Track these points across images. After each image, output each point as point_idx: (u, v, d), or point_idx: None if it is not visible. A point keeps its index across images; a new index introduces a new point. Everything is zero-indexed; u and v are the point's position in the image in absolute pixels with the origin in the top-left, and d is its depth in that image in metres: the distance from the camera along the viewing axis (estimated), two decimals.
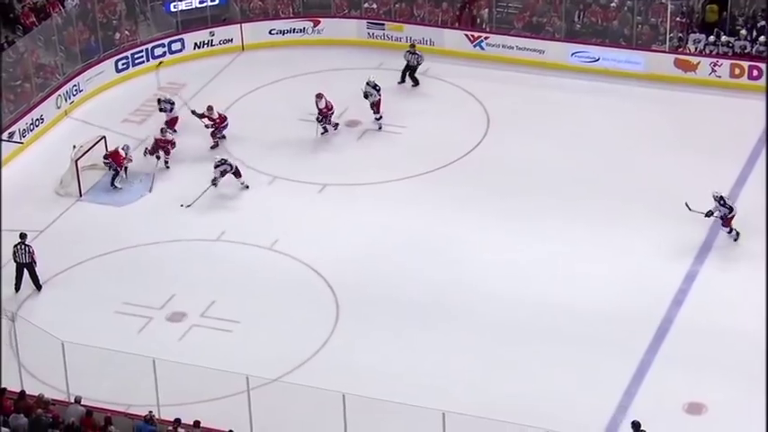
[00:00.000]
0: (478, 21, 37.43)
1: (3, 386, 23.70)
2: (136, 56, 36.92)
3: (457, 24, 37.40)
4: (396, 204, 30.80)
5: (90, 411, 23.31)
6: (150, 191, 31.60)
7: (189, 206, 30.77)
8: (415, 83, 35.82)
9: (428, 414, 22.29)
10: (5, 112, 33.55)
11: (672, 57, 35.49)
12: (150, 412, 23.20)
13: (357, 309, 27.59)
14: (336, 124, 33.75)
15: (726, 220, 28.51)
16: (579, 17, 36.75)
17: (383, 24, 37.88)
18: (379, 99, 33.73)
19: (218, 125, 33.21)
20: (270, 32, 38.16)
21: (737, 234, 28.72)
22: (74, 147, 32.16)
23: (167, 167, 32.27)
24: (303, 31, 38.19)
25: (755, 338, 25.88)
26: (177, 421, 22.87)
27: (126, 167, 31.76)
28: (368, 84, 33.75)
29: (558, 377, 25.38)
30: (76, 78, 35.57)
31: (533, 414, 23.53)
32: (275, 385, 24.63)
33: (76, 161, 31.69)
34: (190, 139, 33.33)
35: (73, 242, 29.97)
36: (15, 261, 28.23)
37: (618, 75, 35.70)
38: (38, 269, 28.36)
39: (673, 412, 24.43)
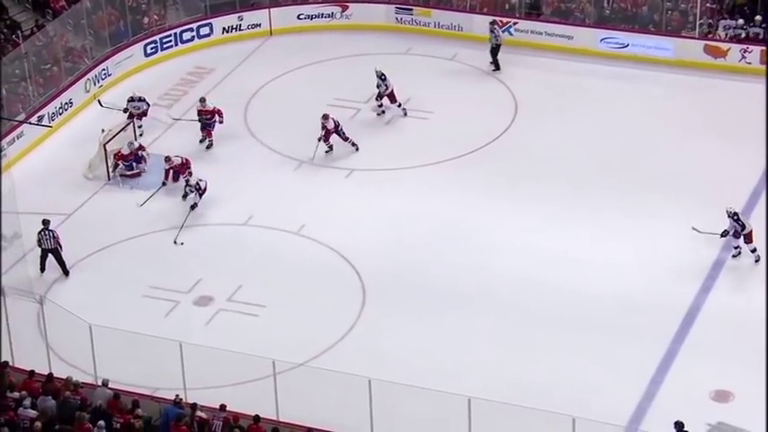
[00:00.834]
0: (507, 6, 37.31)
1: (6, 361, 24.04)
2: (164, 40, 37.02)
3: (486, 9, 37.32)
4: (422, 190, 30.79)
5: (117, 394, 23.43)
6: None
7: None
8: (496, 67, 35.48)
9: (453, 399, 22.31)
10: (35, 95, 33.70)
11: (701, 43, 35.30)
12: (178, 396, 23.30)
13: (383, 294, 27.60)
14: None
15: (746, 236, 27.80)
16: (608, 3, 36.61)
17: (411, 9, 37.83)
18: (391, 89, 33.39)
19: (208, 118, 32.48)
20: (298, 17, 38.18)
21: (759, 257, 27.90)
22: (102, 131, 32.29)
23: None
24: (331, 15, 38.19)
25: None
26: (194, 406, 22.90)
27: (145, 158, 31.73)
28: (375, 74, 33.40)
29: (584, 364, 25.33)
30: (105, 62, 35.70)
31: (559, 400, 23.50)
32: (301, 370, 24.68)
33: (105, 145, 31.79)
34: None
35: (101, 226, 30.09)
36: (41, 247, 28.36)
37: (647, 61, 35.55)
38: (65, 253, 28.48)
39: (699, 400, 24.35)
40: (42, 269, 28.33)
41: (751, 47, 34.72)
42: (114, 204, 30.87)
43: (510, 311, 26.82)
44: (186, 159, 31.19)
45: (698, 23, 35.55)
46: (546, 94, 34.61)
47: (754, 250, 27.84)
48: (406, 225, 29.48)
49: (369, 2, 38.23)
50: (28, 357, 24.72)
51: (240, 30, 37.92)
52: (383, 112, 33.71)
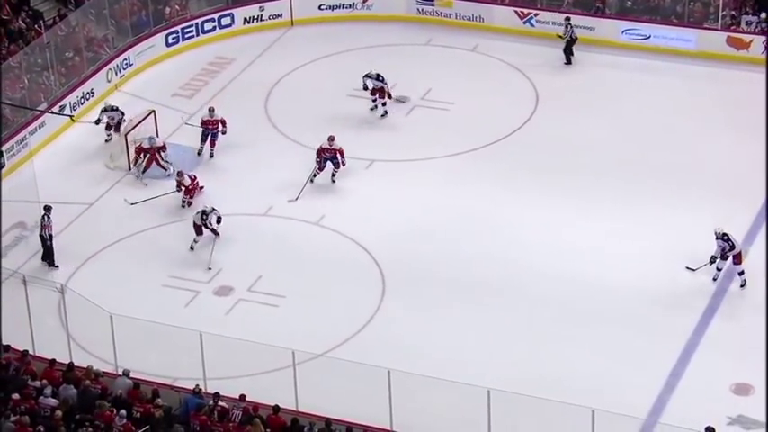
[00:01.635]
0: None
1: (27, 350, 24.17)
2: (186, 30, 37.01)
3: (507, 0, 37.22)
4: (442, 181, 30.73)
5: (137, 384, 23.47)
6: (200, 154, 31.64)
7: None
8: (567, 61, 35.23)
9: (472, 391, 22.28)
10: (56, 85, 33.75)
11: (724, 34, 35.11)
12: (197, 385, 23.33)
13: (403, 285, 27.57)
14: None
15: (735, 257, 26.67)
16: None
17: (432, 1, 37.73)
18: (382, 86, 33.06)
19: (215, 128, 31.76)
20: (319, 8, 38.14)
21: (745, 281, 26.87)
22: (123, 121, 32.32)
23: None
24: (352, 6, 38.12)
25: None
26: (216, 395, 22.95)
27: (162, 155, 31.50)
28: (368, 76, 33.13)
29: (604, 356, 25.26)
30: (127, 52, 35.72)
31: (579, 392, 23.45)
32: (321, 360, 24.71)
33: (126, 135, 31.83)
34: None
35: (122, 216, 30.12)
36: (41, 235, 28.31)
37: (669, 52, 35.39)
38: (80, 241, 28.56)
39: (720, 393, 24.27)
40: (51, 263, 28.29)
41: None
42: (135, 194, 30.85)
43: (529, 303, 26.76)
44: (195, 181, 30.30)
45: (720, 15, 35.36)
46: (567, 85, 34.50)
47: (741, 273, 26.73)
48: (426, 216, 29.44)
49: None
50: (49, 346, 24.79)
51: (261, 20, 37.89)
52: (386, 111, 33.51)
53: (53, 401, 22.89)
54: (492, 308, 26.73)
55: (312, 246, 28.94)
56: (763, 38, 34.56)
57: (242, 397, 23.05)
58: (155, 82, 35.56)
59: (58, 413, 22.41)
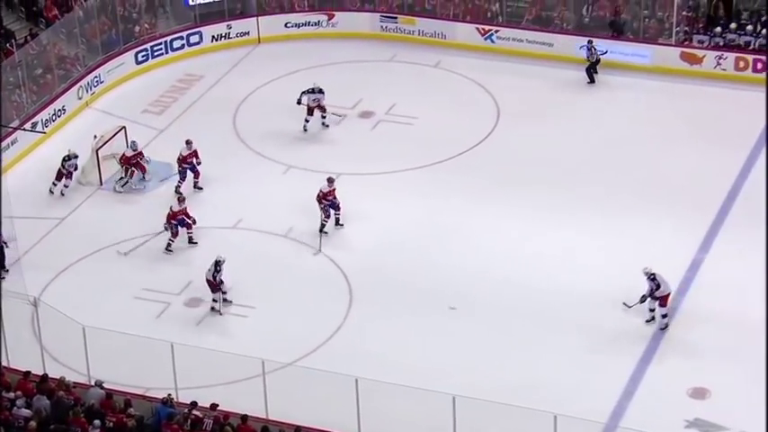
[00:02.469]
0: (489, 14, 37.33)
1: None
2: (155, 48, 36.96)
3: (468, 18, 37.34)
4: (407, 193, 30.77)
5: (110, 394, 23.35)
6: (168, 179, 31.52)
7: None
8: (591, 80, 35.12)
9: (438, 397, 22.29)
10: (28, 102, 33.60)
11: (678, 50, 35.37)
12: (169, 395, 23.23)
13: (369, 295, 27.57)
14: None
15: (661, 299, 25.93)
16: (588, 11, 36.65)
17: (396, 18, 37.82)
18: (319, 103, 32.95)
19: (192, 163, 30.92)
20: (285, 25, 38.15)
21: (666, 325, 26.12)
22: (95, 137, 32.21)
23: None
24: (318, 24, 38.16)
25: (757, 325, 25.81)
26: (193, 404, 22.90)
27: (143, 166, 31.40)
28: (308, 91, 33.06)
29: (566, 363, 25.34)
30: (97, 70, 35.62)
31: (541, 398, 23.48)
32: (290, 369, 24.66)
33: (97, 151, 31.72)
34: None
35: (94, 229, 30.01)
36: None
37: (626, 67, 35.59)
38: (52, 255, 28.56)
39: (677, 397, 24.38)
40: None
41: (726, 53, 34.78)
42: (107, 208, 30.76)
43: (493, 312, 26.81)
44: (184, 215, 29.27)
45: (674, 31, 35.62)
46: (526, 100, 34.63)
47: (664, 316, 25.98)
48: (393, 227, 29.46)
49: (355, 10, 38.23)
50: (23, 358, 24.61)
51: (229, 38, 37.88)
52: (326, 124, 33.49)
53: (27, 412, 22.74)
54: (456, 317, 26.74)
55: (281, 257, 28.90)
56: (715, 53, 34.80)
57: (213, 406, 22.95)
58: (125, 99, 35.46)
59: (32, 424, 22.26)
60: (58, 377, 23.75)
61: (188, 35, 37.48)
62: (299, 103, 33.17)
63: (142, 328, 25.90)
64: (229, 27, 37.85)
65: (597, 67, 35.16)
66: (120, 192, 31.26)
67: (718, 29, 35.15)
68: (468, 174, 31.52)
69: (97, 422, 22.28)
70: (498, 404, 22.41)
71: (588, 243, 28.71)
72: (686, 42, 35.63)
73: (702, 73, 35.04)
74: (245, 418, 22.64)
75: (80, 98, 34.95)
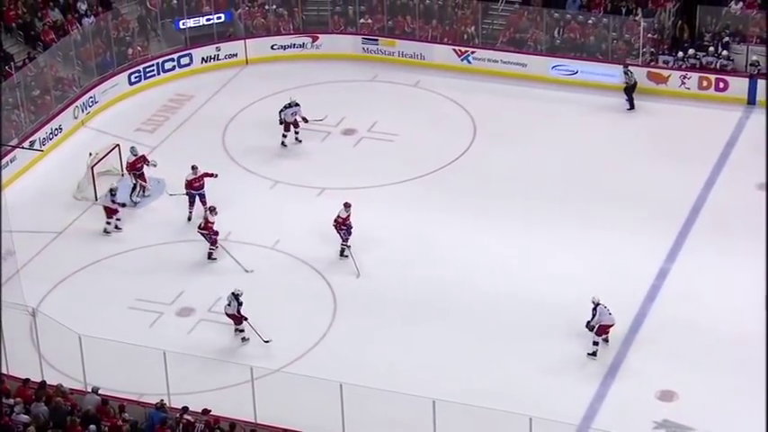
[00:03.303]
0: (465, 36, 37.44)
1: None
2: (147, 69, 36.91)
3: (446, 40, 37.44)
4: (388, 207, 30.78)
5: (105, 400, 23.30)
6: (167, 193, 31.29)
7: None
8: (631, 105, 34.49)
9: (419, 402, 22.30)
10: (26, 122, 33.54)
11: (645, 70, 35.51)
12: (161, 400, 23.18)
13: (353, 304, 27.56)
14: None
15: (599, 329, 25.43)
16: (559, 33, 36.77)
17: (377, 40, 37.88)
18: (295, 118, 32.97)
19: (197, 188, 30.32)
20: (272, 47, 38.16)
21: (593, 354, 25.37)
22: (90, 154, 32.14)
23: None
24: (303, 46, 38.19)
25: (722, 331, 25.95)
26: (184, 409, 22.85)
27: (143, 182, 31.28)
28: (289, 105, 33.02)
29: (541, 368, 25.37)
30: (93, 90, 35.55)
31: (516, 401, 23.50)
32: (277, 375, 24.62)
33: (92, 167, 31.66)
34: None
35: (89, 242, 29.93)
36: None
37: (595, 86, 35.71)
38: (50, 268, 28.44)
39: (646, 400, 24.44)
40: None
41: (690, 74, 34.94)
42: (101, 222, 30.67)
43: (472, 320, 26.82)
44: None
45: (641, 52, 35.78)
46: (502, 117, 34.70)
47: (595, 343, 25.45)
48: (374, 239, 29.45)
49: (338, 33, 38.28)
50: (22, 366, 24.53)
51: (218, 59, 37.85)
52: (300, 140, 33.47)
53: (25, 418, 22.67)
54: (437, 325, 26.76)
55: (268, 268, 28.86)
56: (680, 73, 34.96)
57: (205, 411, 22.92)
58: (119, 118, 35.40)
59: (31, 429, 22.18)
60: (55, 384, 23.68)
61: (179, 57, 37.45)
62: (281, 122, 33.17)
63: (136, 336, 25.83)
64: (218, 49, 37.84)
65: (634, 91, 34.48)
66: (138, 201, 31.15)
67: (681, 53, 35.29)
68: (446, 188, 31.56)
69: (93, 427, 22.20)
70: (477, 408, 22.44)
71: (561, 254, 28.77)
72: (652, 63, 35.79)
73: (668, 92, 35.19)
74: (233, 425, 22.54)
75: (76, 117, 34.88)
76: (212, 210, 29.22)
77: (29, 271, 28.44)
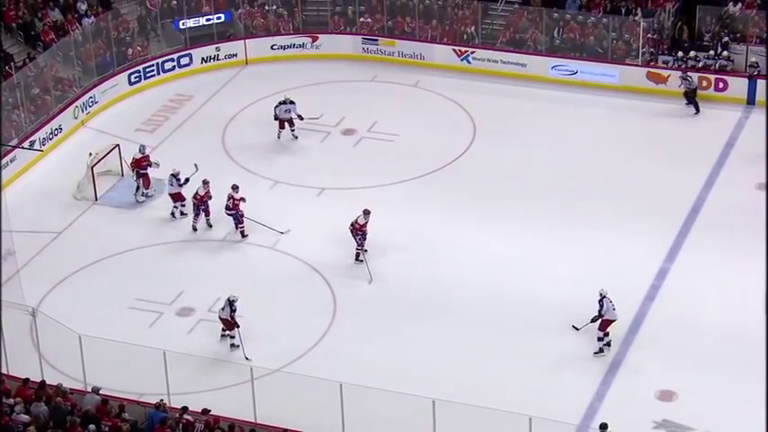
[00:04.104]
0: (465, 37, 37.42)
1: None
2: (147, 70, 36.89)
3: (446, 40, 37.42)
4: (388, 207, 30.69)
5: (105, 400, 23.26)
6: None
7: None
8: (696, 110, 34.15)
9: (419, 401, 22.27)
10: (26, 122, 33.52)
11: (644, 70, 35.49)
12: (161, 400, 23.14)
13: (352, 304, 27.53)
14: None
15: (602, 323, 25.39)
16: (559, 33, 36.75)
17: (377, 40, 37.86)
18: (290, 116, 33.03)
19: (206, 201, 30.09)
20: (272, 48, 38.14)
21: (600, 351, 25.53)
22: (90, 154, 32.11)
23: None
24: (302, 46, 38.17)
25: (722, 331, 25.93)
26: (184, 409, 22.81)
27: (147, 180, 31.21)
28: (284, 102, 33.10)
29: (541, 367, 25.35)
30: (92, 91, 35.53)
31: (517, 401, 23.47)
32: (277, 375, 24.59)
33: (92, 167, 31.63)
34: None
35: (89, 242, 29.91)
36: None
37: (595, 86, 35.70)
38: (50, 268, 28.43)
39: (646, 399, 24.41)
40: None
41: (689, 73, 34.88)
42: (101, 222, 30.67)
43: (472, 320, 26.79)
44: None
45: (641, 52, 35.75)
46: (501, 117, 34.68)
47: (600, 339, 25.48)
48: (374, 239, 29.38)
49: (337, 33, 38.26)
50: (22, 366, 24.50)
51: (218, 60, 37.83)
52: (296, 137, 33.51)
53: (25, 418, 22.63)
54: (436, 325, 26.72)
55: (268, 268, 28.84)
56: (679, 73, 34.94)
57: (204, 411, 22.88)
58: (119, 118, 35.37)
59: (31, 429, 22.14)
60: (55, 384, 23.65)
61: (179, 57, 37.43)
62: (275, 118, 33.16)
63: (136, 336, 25.77)
64: (218, 49, 37.82)
65: (695, 96, 34.20)
66: (143, 200, 31.13)
67: (681, 53, 35.26)
68: (445, 188, 31.53)
69: (92, 427, 22.17)
70: (476, 407, 22.40)
71: (561, 253, 28.73)
72: (651, 63, 35.77)
73: (667, 92, 35.16)
74: (231, 426, 22.48)
75: (76, 118, 34.85)
76: (235, 187, 29.39)
77: (29, 271, 28.40)
